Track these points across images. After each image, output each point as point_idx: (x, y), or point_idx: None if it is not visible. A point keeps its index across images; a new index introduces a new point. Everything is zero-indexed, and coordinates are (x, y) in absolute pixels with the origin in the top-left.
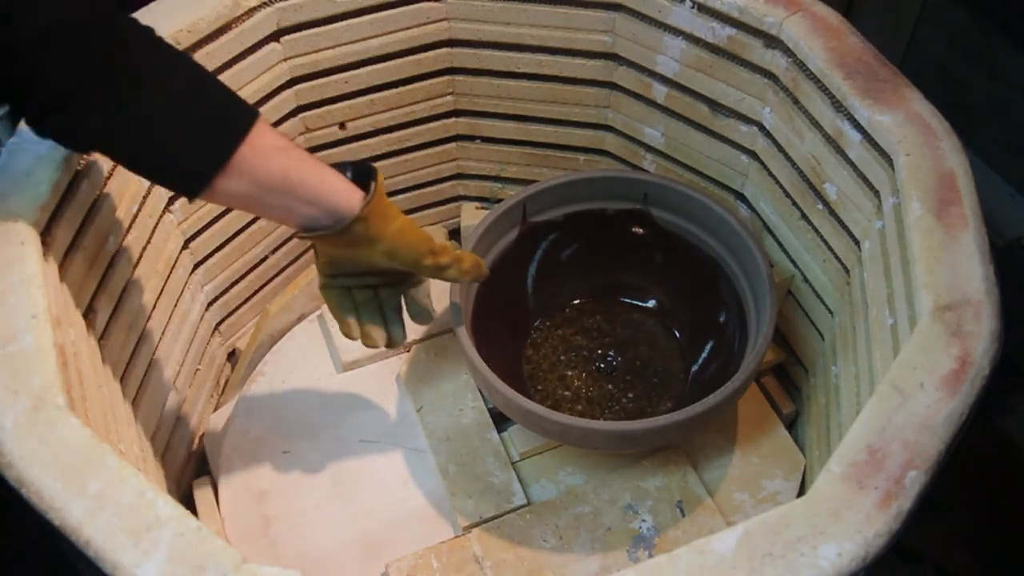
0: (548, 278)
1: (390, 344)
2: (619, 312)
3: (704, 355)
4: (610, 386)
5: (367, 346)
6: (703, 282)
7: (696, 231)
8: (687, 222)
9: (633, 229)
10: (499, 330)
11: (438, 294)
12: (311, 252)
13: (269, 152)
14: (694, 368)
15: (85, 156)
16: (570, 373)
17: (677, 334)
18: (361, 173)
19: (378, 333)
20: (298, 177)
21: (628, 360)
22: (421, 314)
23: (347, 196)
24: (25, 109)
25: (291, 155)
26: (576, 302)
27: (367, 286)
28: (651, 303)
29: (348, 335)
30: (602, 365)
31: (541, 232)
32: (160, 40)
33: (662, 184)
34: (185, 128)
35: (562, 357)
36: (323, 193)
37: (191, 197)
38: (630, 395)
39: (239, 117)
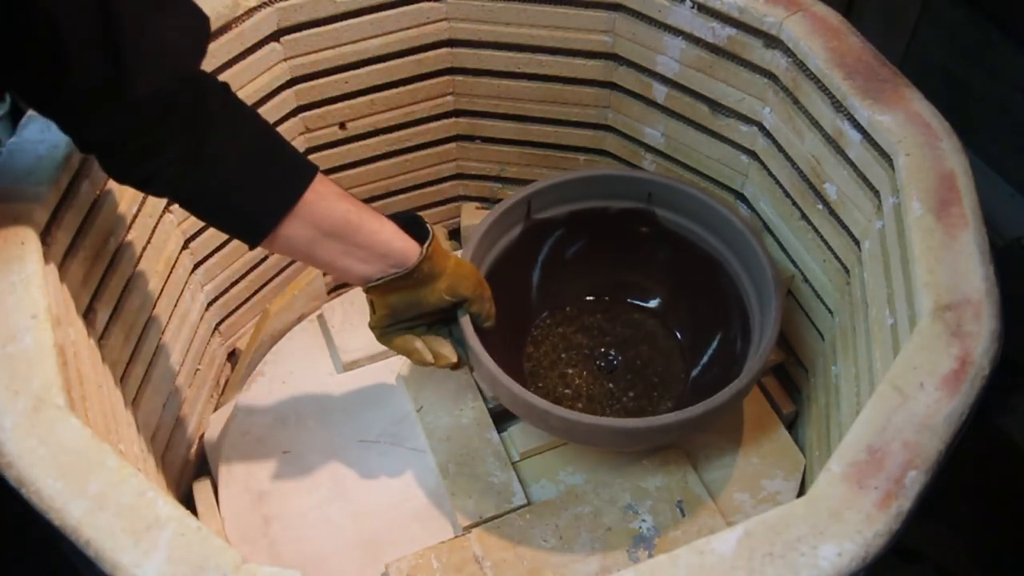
0: (550, 276)
1: (459, 364)
2: (620, 311)
3: (705, 358)
4: (611, 385)
5: (441, 366)
6: (706, 283)
7: (700, 231)
8: (691, 222)
9: (636, 228)
10: (500, 327)
11: None
12: None
13: (331, 197)
14: (695, 370)
15: (84, 157)
16: (571, 371)
17: (678, 335)
18: (406, 220)
19: (448, 350)
20: (358, 221)
21: (629, 359)
22: (461, 343)
23: (405, 240)
24: (108, 159)
25: (351, 202)
26: (577, 300)
27: (420, 327)
28: (653, 303)
29: (423, 361)
30: (603, 364)
31: (544, 230)
32: (232, 94)
33: (666, 184)
34: (254, 177)
35: (563, 355)
36: (384, 238)
37: (255, 243)
38: (631, 394)
39: (303, 167)
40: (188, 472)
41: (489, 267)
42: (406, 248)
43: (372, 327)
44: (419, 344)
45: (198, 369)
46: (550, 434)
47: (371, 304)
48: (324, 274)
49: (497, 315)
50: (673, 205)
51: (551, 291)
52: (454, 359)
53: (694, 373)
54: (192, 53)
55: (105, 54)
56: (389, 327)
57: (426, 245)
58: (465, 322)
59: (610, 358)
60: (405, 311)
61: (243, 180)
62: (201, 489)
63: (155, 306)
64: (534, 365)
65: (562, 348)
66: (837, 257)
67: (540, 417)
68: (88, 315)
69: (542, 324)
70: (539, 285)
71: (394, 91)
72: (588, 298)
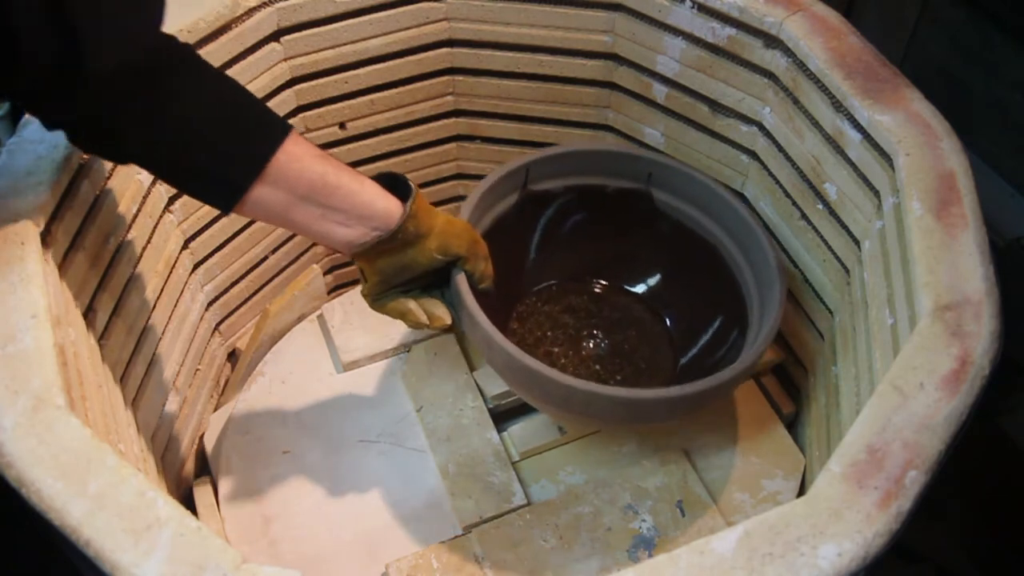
0: (541, 251)
1: (454, 326)
2: (610, 294)
3: (697, 347)
4: (597, 367)
5: (436, 327)
6: (702, 269)
7: (699, 216)
8: (690, 206)
9: (633, 209)
10: (485, 300)
11: None
12: (311, 252)
13: (306, 158)
14: (684, 358)
15: (85, 155)
16: (556, 350)
17: (668, 321)
18: (388, 181)
19: (443, 311)
20: (336, 183)
21: (616, 343)
22: (455, 305)
23: (387, 199)
24: (73, 129)
25: (329, 163)
26: (567, 279)
27: (414, 290)
28: (645, 287)
29: (417, 323)
30: (590, 345)
31: (540, 202)
32: (197, 56)
33: (666, 164)
34: (221, 140)
35: (548, 333)
36: (365, 199)
37: (227, 209)
38: (618, 378)
39: (273, 126)
40: (188, 472)
41: (482, 234)
42: (388, 208)
43: (364, 295)
44: (413, 305)
45: (198, 369)
46: (542, 405)
47: (361, 272)
48: (324, 274)
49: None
50: (673, 187)
51: (541, 267)
52: (448, 320)
53: (683, 361)
54: (149, 22)
55: (59, 35)
56: (381, 293)
57: (409, 203)
58: (460, 280)
59: (597, 340)
60: (397, 275)
61: (210, 144)
62: (201, 489)
63: (155, 306)
64: (518, 341)
65: (548, 326)
66: (837, 257)
67: (537, 383)
68: (88, 315)
69: (529, 301)
70: (530, 260)
71: (394, 91)
72: (579, 278)
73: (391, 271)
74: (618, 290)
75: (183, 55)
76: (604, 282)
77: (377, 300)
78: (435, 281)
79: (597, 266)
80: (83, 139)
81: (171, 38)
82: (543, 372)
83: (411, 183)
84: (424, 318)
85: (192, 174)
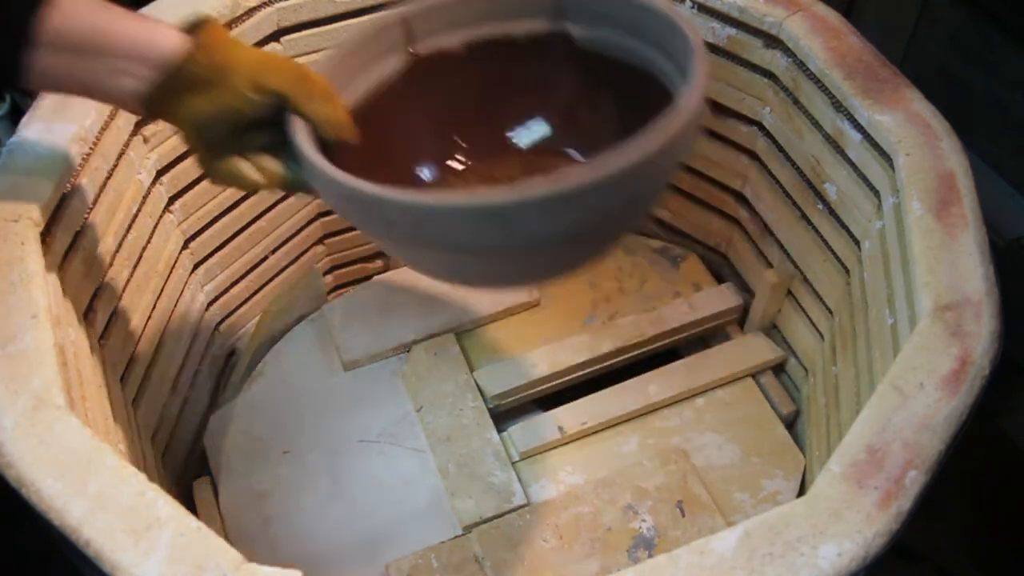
0: (440, 122)
1: (295, 183)
2: (536, 161)
3: None
4: None
5: (274, 186)
6: (647, 107)
7: (628, 42)
8: (614, 31)
9: (548, 59)
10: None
11: (431, 285)
12: (311, 252)
13: (77, 10)
14: None
15: (84, 156)
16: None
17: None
18: (192, 26)
19: (274, 164)
20: (110, 28)
21: None
22: (298, 160)
23: (171, 35)
24: None
25: (110, 10)
26: (479, 153)
27: (251, 150)
28: (574, 151)
29: (249, 181)
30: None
31: (434, 69)
32: None
33: None
34: None
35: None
36: (144, 38)
37: (10, 85)
38: None
39: None
40: (188, 472)
41: (356, 109)
42: (173, 43)
43: (197, 162)
44: (243, 164)
45: (198, 369)
46: (391, 235)
47: (181, 132)
48: (324, 274)
49: (361, 166)
50: (589, 16)
51: (439, 141)
52: (282, 171)
53: None
54: None
55: None
56: (212, 158)
57: (196, 36)
58: (292, 123)
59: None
60: (213, 128)
61: None
62: (201, 489)
63: (155, 306)
64: None
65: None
66: (837, 257)
67: (377, 210)
68: (88, 315)
69: (431, 183)
70: (427, 135)
71: None
72: (493, 149)
73: (204, 122)
74: (547, 156)
75: None
76: (530, 151)
77: (210, 166)
78: (280, 139)
79: (505, 131)
80: None
81: None
82: (376, 193)
83: (214, 18)
84: (255, 175)
85: None
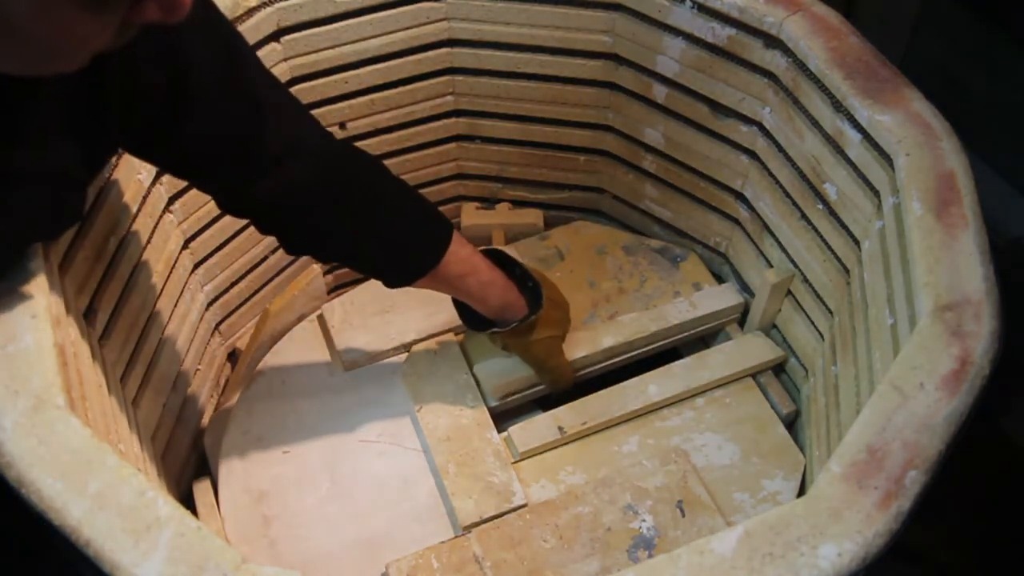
0: None
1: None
2: None
3: None
4: None
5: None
6: None
7: None
8: None
9: None
10: None
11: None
12: None
13: (462, 268)
14: None
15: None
16: None
17: None
18: (531, 285)
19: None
20: (481, 296)
21: None
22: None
23: (518, 311)
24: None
25: (480, 277)
26: None
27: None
28: None
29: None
30: None
31: None
32: (383, 166)
33: None
34: (402, 239)
35: None
36: (503, 314)
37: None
38: None
39: (443, 228)
40: (188, 472)
41: None
42: (514, 316)
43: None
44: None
45: (198, 369)
46: None
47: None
48: (324, 274)
49: None
50: None
51: None
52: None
53: None
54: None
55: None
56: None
57: (523, 318)
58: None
59: None
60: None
61: (391, 245)
62: (201, 489)
63: (155, 306)
64: None
65: None
66: (837, 257)
67: None
68: (88, 315)
69: None
70: None
71: (394, 91)
72: None
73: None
74: None
75: (372, 165)
76: None
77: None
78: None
79: None
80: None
81: (359, 150)
82: None
83: (540, 305)
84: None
85: (375, 268)
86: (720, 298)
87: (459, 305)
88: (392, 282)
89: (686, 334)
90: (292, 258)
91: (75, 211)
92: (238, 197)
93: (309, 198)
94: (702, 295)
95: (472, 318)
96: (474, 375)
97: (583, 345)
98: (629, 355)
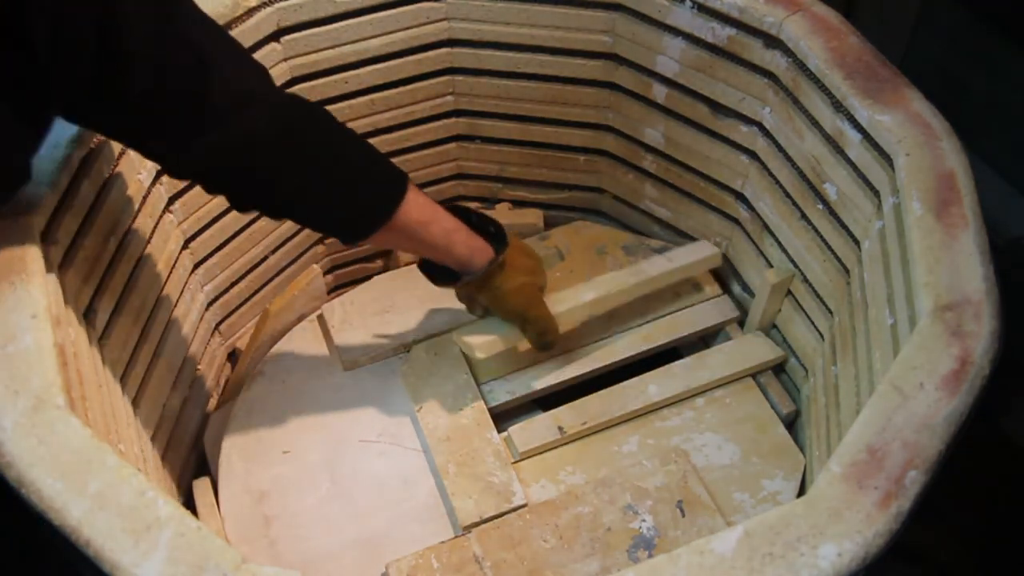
0: None
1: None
2: None
3: None
4: None
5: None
6: None
7: None
8: None
9: None
10: None
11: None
12: (311, 252)
13: (421, 215)
14: None
15: (84, 157)
16: None
17: None
18: (492, 231)
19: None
20: (446, 244)
21: None
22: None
23: (483, 258)
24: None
25: (443, 224)
26: None
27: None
28: None
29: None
30: None
31: None
32: (332, 117)
33: None
34: (354, 190)
35: None
36: (471, 262)
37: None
38: None
39: (397, 180)
40: (188, 472)
41: None
42: (479, 264)
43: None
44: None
45: (198, 369)
46: None
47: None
48: (324, 274)
49: None
50: None
51: None
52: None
53: None
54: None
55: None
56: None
57: (489, 262)
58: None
59: None
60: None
61: (344, 197)
62: (201, 489)
63: (155, 306)
64: None
65: None
66: (837, 257)
67: None
68: (88, 315)
69: None
70: None
71: (394, 91)
72: None
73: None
74: None
75: (321, 116)
76: None
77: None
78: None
79: None
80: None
81: (306, 102)
82: None
83: (504, 247)
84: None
85: (329, 223)
86: (695, 252)
87: (425, 265)
88: (349, 235)
89: (686, 333)
90: (292, 258)
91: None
92: (186, 156)
93: (259, 150)
94: (678, 252)
95: (440, 273)
96: (457, 340)
97: (566, 301)
98: (629, 355)
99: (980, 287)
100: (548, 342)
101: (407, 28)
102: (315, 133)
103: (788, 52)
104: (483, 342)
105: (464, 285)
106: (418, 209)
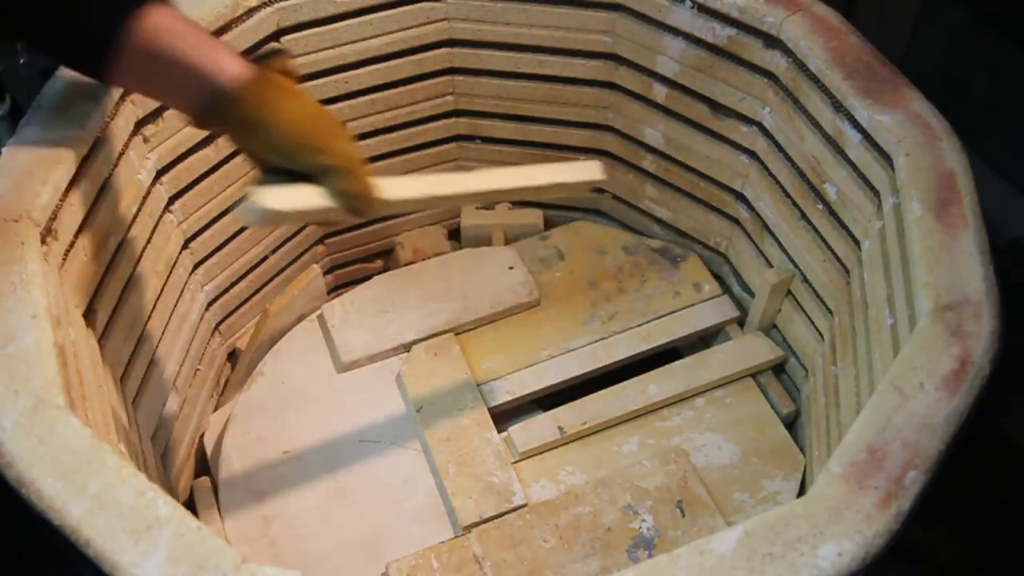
0: None
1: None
2: None
3: None
4: None
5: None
6: None
7: None
8: None
9: None
10: None
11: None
12: (311, 252)
13: (162, 23)
14: None
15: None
16: None
17: None
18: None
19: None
20: (184, 46)
21: None
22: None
23: (233, 67)
24: None
25: (199, 36)
26: None
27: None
28: None
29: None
30: None
31: None
32: None
33: None
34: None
35: None
36: (207, 66)
37: (100, 81)
38: None
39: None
40: (188, 472)
41: None
42: (231, 75)
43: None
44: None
45: (198, 369)
46: None
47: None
48: (324, 274)
49: None
50: None
51: None
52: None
53: None
54: None
55: None
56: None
57: (261, 69)
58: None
59: None
60: (251, 157)
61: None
62: (201, 489)
63: (155, 306)
64: None
65: None
66: (837, 257)
67: None
68: (88, 315)
69: None
70: None
71: (394, 91)
72: None
73: (241, 150)
74: None
75: None
76: None
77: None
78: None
79: None
80: None
81: None
82: None
83: (274, 60)
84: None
85: (61, 40)
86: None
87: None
88: (85, 61)
89: (686, 332)
90: (292, 258)
91: None
92: None
93: None
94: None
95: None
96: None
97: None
98: (629, 356)
99: (980, 287)
100: (358, 195)
101: (407, 28)
102: None
103: (788, 52)
104: (280, 193)
105: (222, 111)
106: (167, 18)
